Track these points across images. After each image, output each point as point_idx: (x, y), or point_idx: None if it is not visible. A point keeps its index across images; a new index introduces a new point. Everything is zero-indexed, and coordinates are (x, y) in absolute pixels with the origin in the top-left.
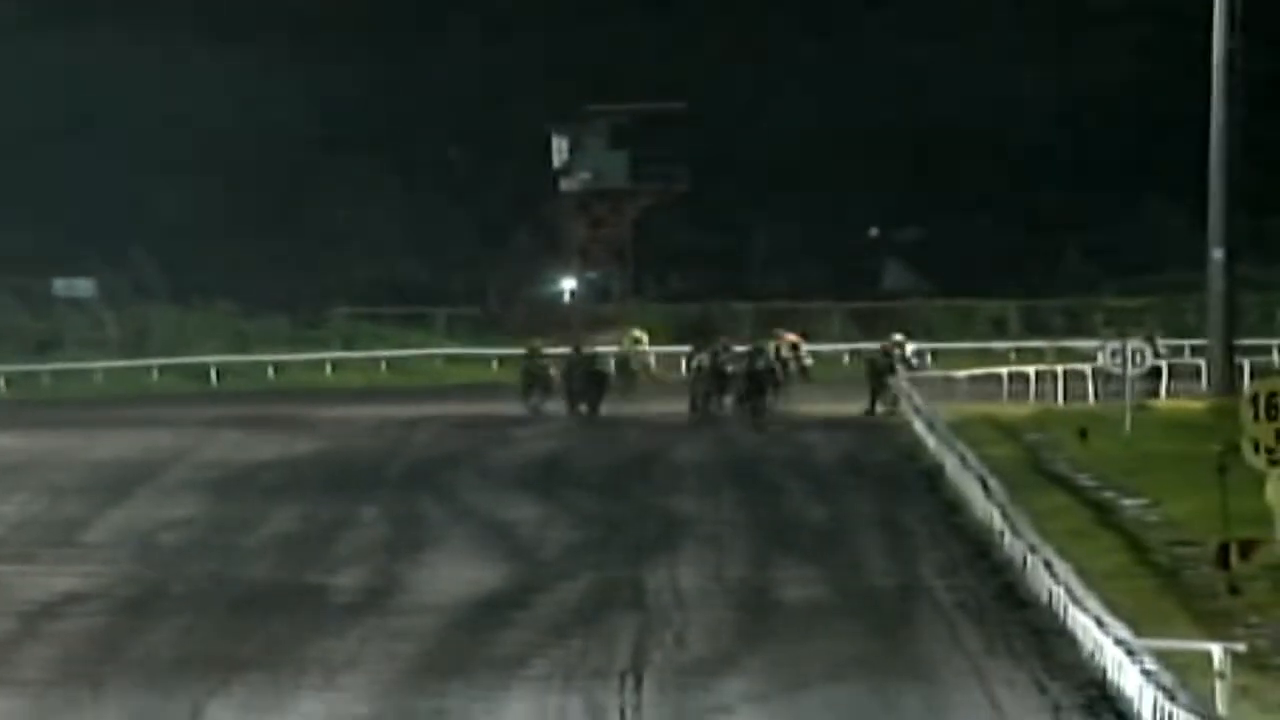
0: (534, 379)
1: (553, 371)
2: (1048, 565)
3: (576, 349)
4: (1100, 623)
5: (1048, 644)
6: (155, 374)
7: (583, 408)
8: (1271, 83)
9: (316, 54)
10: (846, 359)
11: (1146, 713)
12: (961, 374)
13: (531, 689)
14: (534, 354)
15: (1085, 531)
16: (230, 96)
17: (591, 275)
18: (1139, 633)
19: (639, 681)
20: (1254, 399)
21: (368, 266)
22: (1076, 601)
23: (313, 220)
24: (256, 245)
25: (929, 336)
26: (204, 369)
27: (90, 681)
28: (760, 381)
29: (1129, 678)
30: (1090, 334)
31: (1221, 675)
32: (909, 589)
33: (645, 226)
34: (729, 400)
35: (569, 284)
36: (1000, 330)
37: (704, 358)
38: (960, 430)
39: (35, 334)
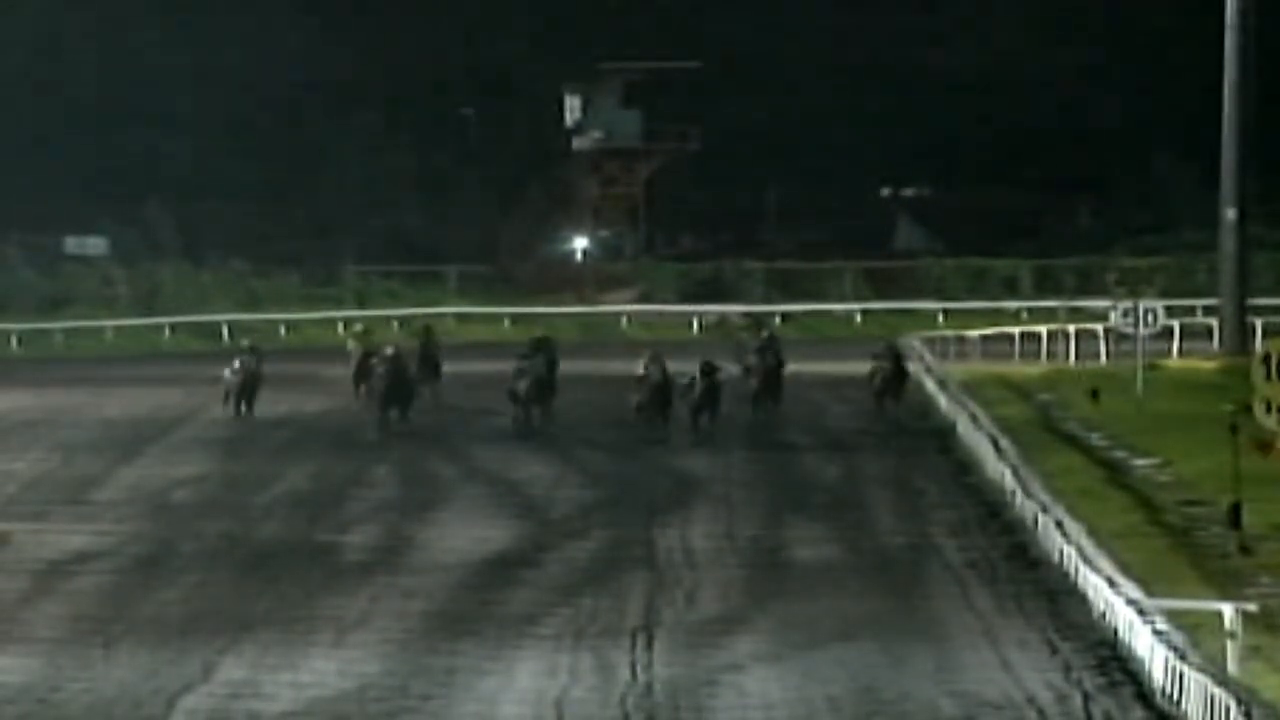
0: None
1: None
2: (1059, 525)
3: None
4: (1112, 582)
5: (1059, 604)
6: (166, 332)
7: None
8: None
9: (329, 11)
10: (859, 318)
11: (1158, 673)
12: (973, 334)
13: (543, 647)
14: (253, 350)
15: (1096, 491)
16: (243, 54)
17: (603, 234)
18: (1150, 592)
19: (650, 640)
20: (1265, 359)
21: (380, 224)
22: (1088, 561)
23: (325, 179)
24: (268, 203)
25: (941, 296)
26: (215, 327)
27: (102, 639)
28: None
29: (1140, 638)
30: (1102, 293)
31: (1233, 635)
32: (920, 548)
33: (657, 185)
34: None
35: (581, 243)
36: (1012, 290)
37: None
38: (972, 390)
39: (47, 292)
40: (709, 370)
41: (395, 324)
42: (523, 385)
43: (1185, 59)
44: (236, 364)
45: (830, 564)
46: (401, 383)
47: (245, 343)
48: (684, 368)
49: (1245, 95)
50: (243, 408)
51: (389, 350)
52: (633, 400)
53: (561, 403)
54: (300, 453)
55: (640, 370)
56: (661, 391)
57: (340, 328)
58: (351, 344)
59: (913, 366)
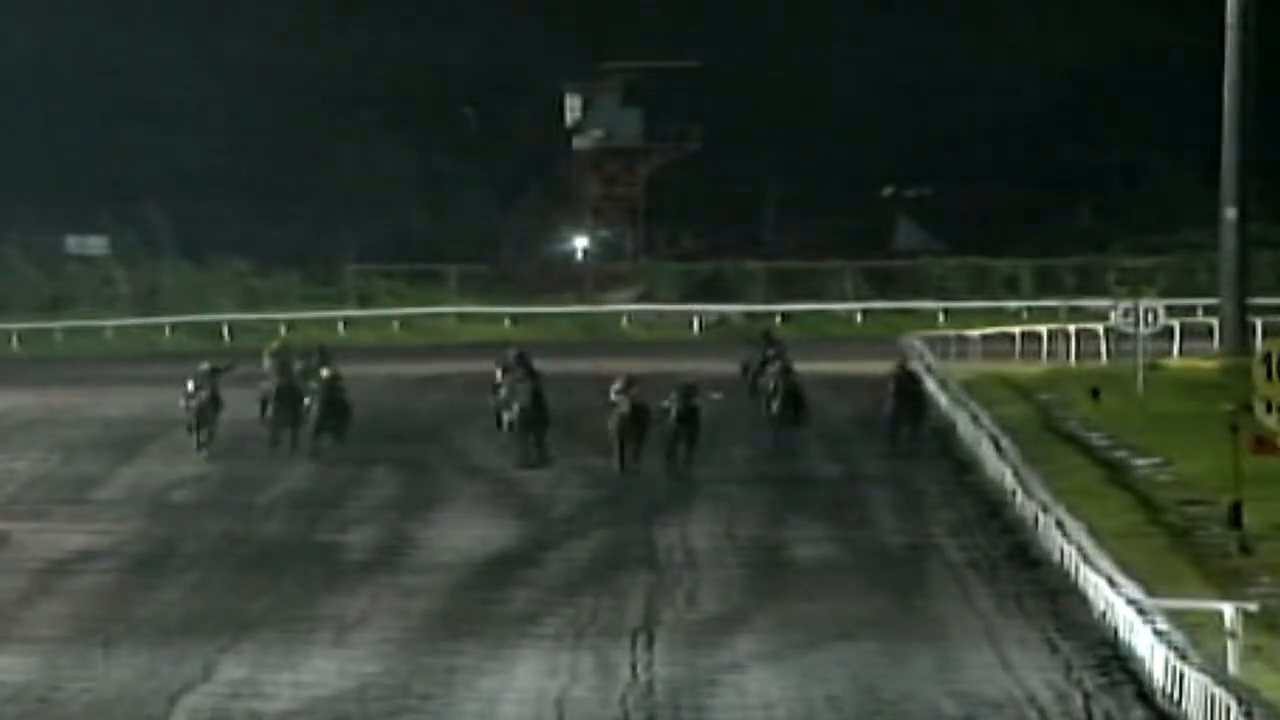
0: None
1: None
2: (1059, 524)
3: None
4: (1112, 582)
5: (1059, 603)
6: (167, 331)
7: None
8: None
9: (330, 11)
10: (859, 318)
11: (1158, 672)
12: (974, 333)
13: (543, 647)
14: (212, 372)
15: (1097, 491)
16: (243, 54)
17: (604, 233)
18: (1150, 592)
19: (650, 640)
20: (1266, 358)
21: (380, 224)
22: (1088, 561)
23: (325, 178)
24: (269, 203)
25: (941, 296)
26: (215, 327)
27: (102, 639)
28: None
29: (1141, 637)
30: (1102, 293)
31: (1233, 635)
32: (921, 548)
33: (658, 184)
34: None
35: (581, 242)
36: (1013, 289)
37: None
38: (973, 389)
39: (47, 292)
40: (687, 392)
41: (395, 324)
42: (514, 415)
43: (1184, 59)
44: (190, 387)
45: (830, 563)
46: (335, 405)
47: (204, 365)
48: (683, 369)
49: (1245, 95)
50: (203, 437)
51: (326, 373)
52: (610, 426)
53: (561, 403)
54: (300, 453)
55: (612, 397)
56: (636, 421)
57: (340, 327)
58: (268, 360)
59: (922, 379)
